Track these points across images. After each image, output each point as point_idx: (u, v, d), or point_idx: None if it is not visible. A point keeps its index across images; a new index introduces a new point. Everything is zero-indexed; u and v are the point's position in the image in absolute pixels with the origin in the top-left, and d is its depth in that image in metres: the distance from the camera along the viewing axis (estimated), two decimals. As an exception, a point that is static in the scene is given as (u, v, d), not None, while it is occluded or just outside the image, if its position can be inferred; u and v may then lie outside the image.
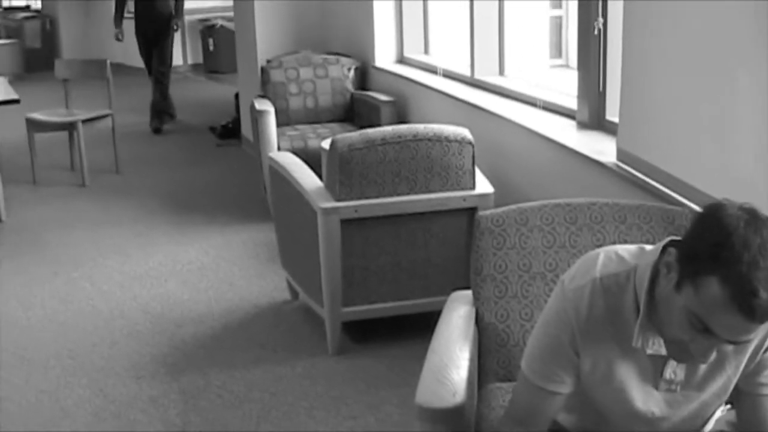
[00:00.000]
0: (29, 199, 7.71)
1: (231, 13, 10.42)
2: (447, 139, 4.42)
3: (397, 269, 4.50)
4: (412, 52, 7.19)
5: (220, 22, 14.41)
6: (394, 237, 4.46)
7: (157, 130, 10.29)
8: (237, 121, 9.50)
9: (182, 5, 10.25)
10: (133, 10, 10.20)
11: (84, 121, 8.05)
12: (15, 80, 11.41)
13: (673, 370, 2.17)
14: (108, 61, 8.33)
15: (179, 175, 8.33)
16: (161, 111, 10.42)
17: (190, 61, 15.30)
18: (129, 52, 15.65)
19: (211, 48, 14.59)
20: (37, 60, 15.99)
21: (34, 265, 6.09)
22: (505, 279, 2.83)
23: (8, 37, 16.57)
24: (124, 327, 5.02)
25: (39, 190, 8.00)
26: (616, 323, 2.15)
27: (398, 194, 4.42)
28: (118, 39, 10.22)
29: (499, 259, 2.84)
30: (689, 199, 3.41)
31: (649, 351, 2.13)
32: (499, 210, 2.93)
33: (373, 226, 4.42)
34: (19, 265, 6.10)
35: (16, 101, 7.07)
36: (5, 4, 19.94)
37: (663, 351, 2.11)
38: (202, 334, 4.90)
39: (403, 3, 7.14)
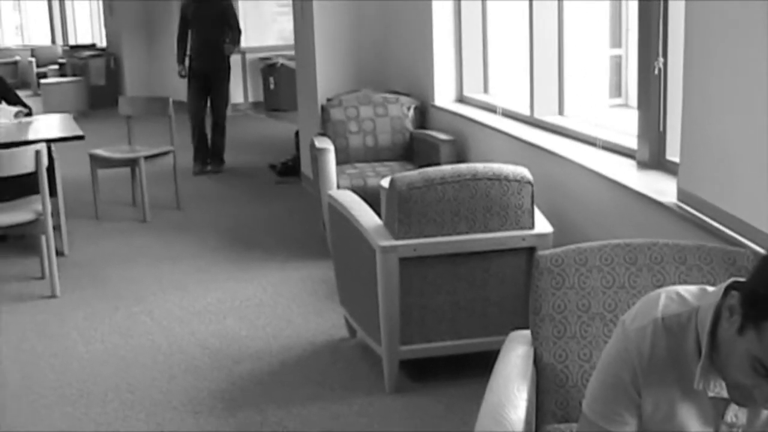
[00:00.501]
0: (92, 233, 7.80)
1: (292, 52, 10.51)
2: (506, 179, 4.41)
3: (455, 308, 4.49)
4: (472, 91, 7.21)
5: (281, 60, 14.54)
6: (453, 276, 4.45)
7: (216, 172, 10.20)
8: (297, 159, 9.56)
9: (239, 36, 10.22)
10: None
11: (146, 158, 8.15)
12: (80, 117, 11.57)
13: (735, 414, 2.14)
14: (170, 99, 8.43)
15: (239, 211, 8.39)
16: (219, 153, 10.34)
17: (251, 99, 15.44)
18: (191, 89, 15.84)
19: (272, 86, 14.72)
20: (102, 97, 16.27)
21: (96, 299, 6.15)
22: (564, 319, 2.82)
23: (74, 74, 16.88)
24: (182, 362, 5.05)
25: (101, 225, 8.10)
26: (677, 364, 2.12)
27: (457, 233, 4.42)
28: (181, 76, 10.19)
29: (558, 299, 2.83)
30: (752, 240, 3.37)
31: (710, 394, 2.11)
32: (559, 250, 2.92)
33: (431, 264, 4.42)
34: (80, 298, 6.17)
35: (80, 137, 7.17)
36: (71, 42, 20.33)
37: (725, 394, 2.08)
38: (260, 370, 4.91)
39: (463, 42, 7.16)
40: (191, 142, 10.22)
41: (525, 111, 6.21)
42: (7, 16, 24.93)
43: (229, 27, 10.09)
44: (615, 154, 5.05)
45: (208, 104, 10.25)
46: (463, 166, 4.59)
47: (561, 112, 6.00)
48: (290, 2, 9.37)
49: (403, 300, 4.39)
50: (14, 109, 7.78)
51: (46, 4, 22.00)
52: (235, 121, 13.83)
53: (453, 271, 4.45)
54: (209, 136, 10.31)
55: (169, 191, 8.66)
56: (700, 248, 2.88)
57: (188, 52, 10.14)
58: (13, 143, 6.60)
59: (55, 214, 6.83)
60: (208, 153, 10.30)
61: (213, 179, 9.90)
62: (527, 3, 5.98)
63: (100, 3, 18.27)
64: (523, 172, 4.48)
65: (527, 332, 2.93)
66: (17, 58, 22.27)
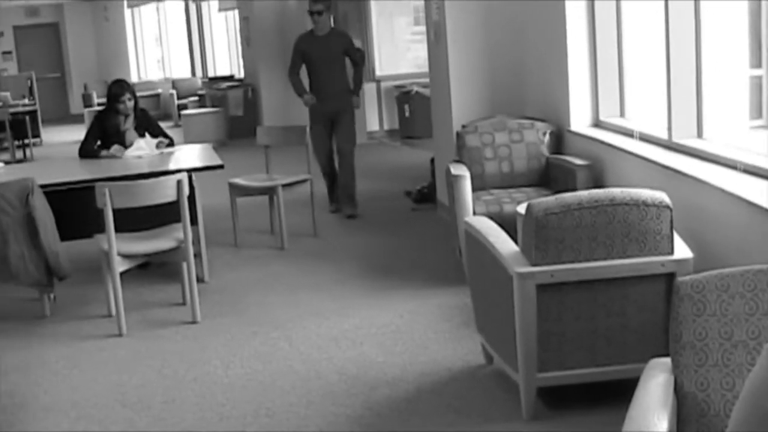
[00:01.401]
0: (231, 261, 7.95)
1: (426, 80, 10.55)
2: (644, 204, 4.35)
3: (593, 335, 4.43)
4: (608, 115, 7.13)
5: (415, 88, 14.62)
6: (591, 302, 4.40)
7: (351, 216, 9.41)
8: (432, 186, 9.58)
9: (361, 77, 9.56)
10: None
11: (284, 186, 8.27)
12: (219, 146, 11.83)
13: None
14: (307, 128, 8.55)
15: (375, 238, 8.45)
16: (352, 195, 9.53)
17: (386, 127, 15.56)
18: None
19: (407, 114, 14.80)
20: (240, 127, 16.63)
21: (235, 325, 6.26)
22: (706, 347, 2.76)
23: (213, 105, 17.28)
24: (320, 387, 5.09)
25: (240, 252, 8.25)
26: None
27: (595, 259, 4.37)
28: (307, 104, 9.36)
29: (699, 326, 2.78)
30: None
31: None
32: (699, 276, 2.87)
33: (569, 291, 4.38)
34: (220, 324, 6.29)
35: (220, 167, 7.32)
36: (210, 74, 20.81)
37: None
38: (396, 396, 4.93)
39: (599, 66, 7.09)
40: (324, 182, 9.63)
41: (662, 134, 6.12)
42: (149, 50, 25.67)
43: (353, 63, 9.43)
44: (757, 178, 4.93)
45: (334, 145, 9.46)
46: (600, 192, 4.55)
47: (700, 134, 5.89)
48: (424, 29, 9.41)
49: (540, 327, 4.36)
50: (156, 140, 8.00)
51: (186, 38, 22.57)
52: (370, 149, 13.96)
53: (591, 297, 4.40)
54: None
55: (306, 219, 8.77)
56: None
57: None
58: (155, 173, 6.79)
59: (196, 241, 6.99)
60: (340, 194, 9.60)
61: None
62: (663, 24, 5.90)
63: (238, 36, 18.66)
64: (662, 196, 4.42)
65: (667, 360, 2.88)
66: (159, 90, 22.94)
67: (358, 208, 9.53)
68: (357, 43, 10.61)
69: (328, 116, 9.32)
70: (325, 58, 9.25)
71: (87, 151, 8.02)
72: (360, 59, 9.56)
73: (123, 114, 8.02)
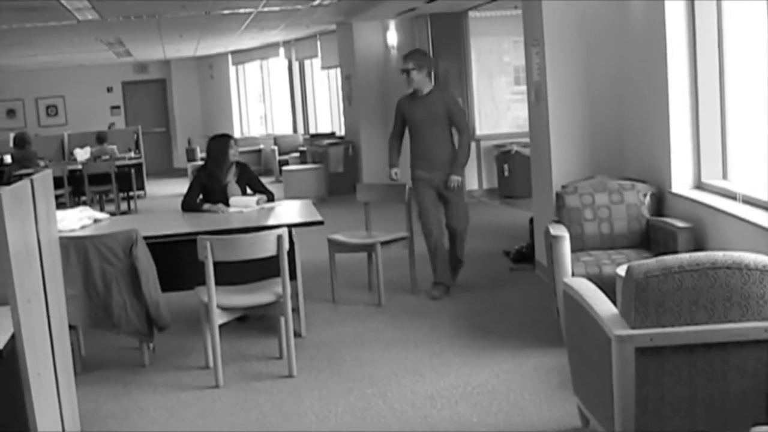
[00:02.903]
0: (328, 316, 7.99)
1: (526, 139, 10.54)
2: (747, 267, 4.28)
3: (693, 400, 4.36)
4: (710, 177, 7.05)
5: (515, 147, 14.62)
6: (691, 367, 4.33)
7: (436, 298, 8.46)
8: (531, 246, 9.54)
9: (466, 148, 8.53)
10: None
11: (382, 243, 8.31)
12: (319, 202, 11.94)
13: None
14: (406, 186, 8.59)
15: (473, 297, 8.42)
16: (459, 261, 8.81)
17: (485, 186, 15.56)
18: (426, 176, 16.08)
19: (506, 173, 14.79)
20: (340, 183, 16.78)
21: (331, 380, 6.28)
22: (811, 415, 2.70)
23: (314, 162, 17.47)
24: (414, 446, 5.08)
25: (338, 308, 8.29)
26: None
27: (695, 323, 4.30)
28: (392, 179, 8.79)
29: (804, 394, 2.72)
30: None
31: None
32: (804, 342, 2.81)
33: (668, 355, 4.32)
34: (316, 379, 6.31)
35: (320, 223, 7.38)
36: (312, 131, 21.08)
37: None
38: (492, 457, 4.90)
39: (701, 127, 7.02)
40: (428, 257, 8.69)
41: (767, 198, 6.03)
42: (253, 106, 26.11)
43: (457, 128, 8.54)
44: None
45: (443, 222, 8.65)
46: (701, 255, 4.49)
47: (806, 199, 5.79)
48: (525, 89, 9.43)
49: (638, 391, 4.30)
50: (255, 197, 8.12)
51: (288, 95, 22.92)
52: (469, 208, 13.93)
53: (691, 362, 4.33)
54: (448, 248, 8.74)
55: (404, 276, 8.79)
56: None
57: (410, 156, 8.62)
58: (256, 227, 6.88)
59: (294, 296, 7.05)
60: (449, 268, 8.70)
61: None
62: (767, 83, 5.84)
63: (340, 93, 18.88)
64: (765, 260, 4.34)
65: (770, 428, 2.82)
66: (261, 146, 23.29)
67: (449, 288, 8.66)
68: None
69: (435, 187, 8.53)
70: (424, 119, 8.47)
71: (190, 204, 8.17)
72: (463, 125, 8.56)
73: (225, 165, 8.17)
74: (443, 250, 8.59)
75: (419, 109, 8.50)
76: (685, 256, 4.43)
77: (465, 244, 8.75)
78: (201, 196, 8.23)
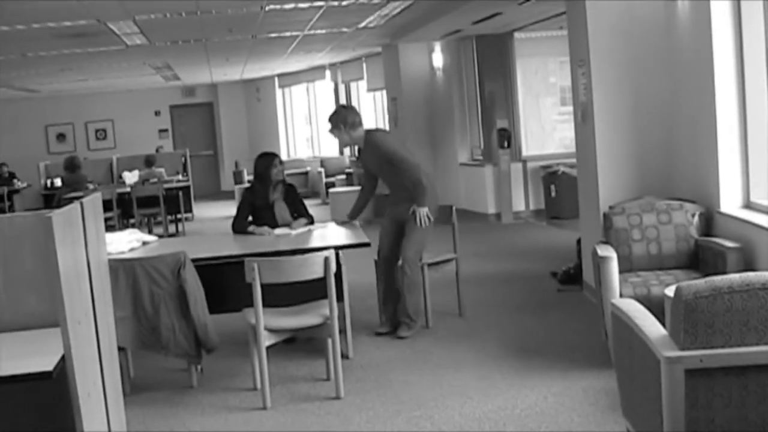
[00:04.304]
0: (376, 338, 7.98)
1: (573, 160, 10.52)
2: (798, 288, 4.24)
3: (744, 423, 4.31)
4: (759, 196, 6.99)
5: (562, 168, 14.59)
6: (741, 389, 4.29)
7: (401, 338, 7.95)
8: (579, 267, 9.50)
9: (414, 183, 8.04)
10: None
11: (429, 265, 8.29)
12: (365, 224, 11.94)
13: None
14: (453, 207, 8.60)
15: (520, 318, 8.39)
16: (405, 310, 7.96)
17: (532, 207, 15.53)
18: (472, 198, 16.15)
19: (553, 194, 14.76)
20: (387, 205, 16.73)
21: (378, 402, 6.27)
22: None
23: (360, 184, 17.47)
24: (462, 469, 5.06)
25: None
26: None
27: (745, 344, 4.26)
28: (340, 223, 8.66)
29: None
30: None
31: None
32: None
33: (718, 377, 4.27)
34: (363, 401, 6.31)
35: (366, 244, 7.40)
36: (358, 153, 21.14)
37: None
38: (540, 480, 4.87)
39: (750, 147, 6.97)
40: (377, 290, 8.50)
41: (818, 218, 5.97)
42: (299, 129, 26.23)
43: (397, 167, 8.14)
44: None
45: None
46: (752, 275, 4.44)
47: None
48: (571, 110, 9.41)
49: (688, 413, 4.26)
50: (302, 222, 8.16)
51: (335, 116, 23.03)
52: (516, 229, 13.96)
53: (741, 384, 4.28)
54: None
55: (451, 298, 8.78)
56: None
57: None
58: (303, 249, 6.90)
59: (341, 318, 7.06)
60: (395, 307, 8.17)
61: (493, 285, 9.95)
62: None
63: (386, 115, 18.94)
64: (817, 281, 4.30)
65: (823, 451, 2.79)
66: (308, 168, 23.38)
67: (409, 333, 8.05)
68: (502, 124, 10.09)
69: (397, 222, 8.38)
70: (372, 167, 8.48)
71: (239, 226, 8.23)
72: (398, 162, 8.11)
73: (270, 183, 8.23)
74: (393, 287, 8.16)
75: (366, 160, 8.45)
76: (735, 277, 4.39)
77: (413, 287, 7.99)
78: (250, 217, 8.29)
